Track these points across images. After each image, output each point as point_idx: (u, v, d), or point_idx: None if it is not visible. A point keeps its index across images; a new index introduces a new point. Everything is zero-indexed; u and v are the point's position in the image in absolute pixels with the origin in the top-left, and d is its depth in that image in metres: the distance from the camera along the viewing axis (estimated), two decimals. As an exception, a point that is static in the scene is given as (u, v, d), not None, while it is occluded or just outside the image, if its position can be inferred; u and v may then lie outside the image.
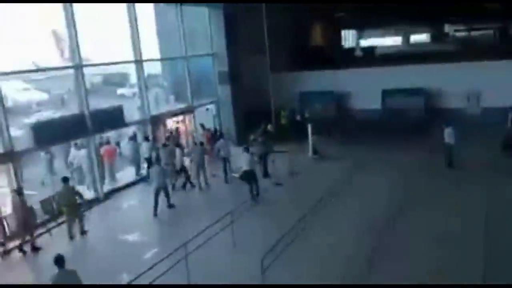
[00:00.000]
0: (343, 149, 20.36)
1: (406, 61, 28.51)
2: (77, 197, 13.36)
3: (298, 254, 10.60)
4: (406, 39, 68.68)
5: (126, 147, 19.26)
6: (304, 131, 19.88)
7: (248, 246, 11.40)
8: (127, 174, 18.75)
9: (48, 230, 13.52)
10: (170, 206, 14.87)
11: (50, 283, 7.85)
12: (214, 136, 20.12)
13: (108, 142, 18.63)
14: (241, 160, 15.33)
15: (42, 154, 17.80)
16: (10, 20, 17.99)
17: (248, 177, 14.60)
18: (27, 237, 12.57)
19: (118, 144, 19.82)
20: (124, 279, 9.88)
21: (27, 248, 12.46)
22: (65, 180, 13.35)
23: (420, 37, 73.92)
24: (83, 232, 13.44)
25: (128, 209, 15.83)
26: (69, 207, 13.16)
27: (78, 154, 17.18)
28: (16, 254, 12.44)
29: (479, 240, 10.64)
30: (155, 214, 14.39)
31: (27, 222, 12.55)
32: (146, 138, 18.26)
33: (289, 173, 17.33)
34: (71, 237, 13.16)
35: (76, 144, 17.32)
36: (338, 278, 9.65)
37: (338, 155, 19.54)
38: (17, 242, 12.68)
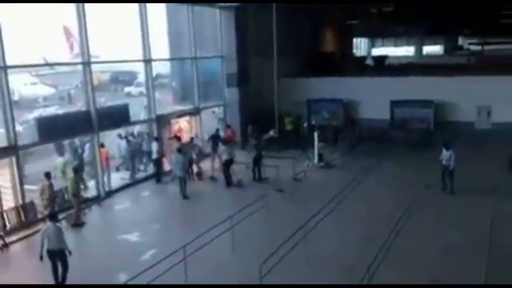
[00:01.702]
0: (349, 158, 20.14)
1: (418, 72, 28.29)
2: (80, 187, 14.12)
3: (297, 262, 10.43)
4: (419, 50, 68.20)
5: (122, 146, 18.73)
6: (310, 138, 19.73)
7: (247, 251, 11.32)
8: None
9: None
10: (185, 197, 15.88)
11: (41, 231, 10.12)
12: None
13: (102, 145, 16.81)
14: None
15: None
16: (22, 14, 18.08)
17: (228, 164, 16.88)
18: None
19: (128, 141, 19.33)
20: (121, 278, 9.81)
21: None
22: (76, 170, 14.16)
23: (433, 49, 73.45)
24: (81, 224, 13.76)
25: (129, 208, 15.81)
26: (75, 196, 13.84)
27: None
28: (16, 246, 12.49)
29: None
30: (186, 197, 15.80)
31: (54, 202, 13.54)
32: (156, 139, 18.06)
33: (293, 179, 17.18)
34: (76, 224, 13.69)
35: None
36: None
37: (343, 164, 19.33)
38: (15, 237, 12.73)
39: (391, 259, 10.40)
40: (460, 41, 78.48)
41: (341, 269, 10.41)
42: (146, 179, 18.13)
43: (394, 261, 10.37)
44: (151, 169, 18.61)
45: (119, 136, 18.73)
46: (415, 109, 23.43)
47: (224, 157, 17.18)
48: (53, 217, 10.37)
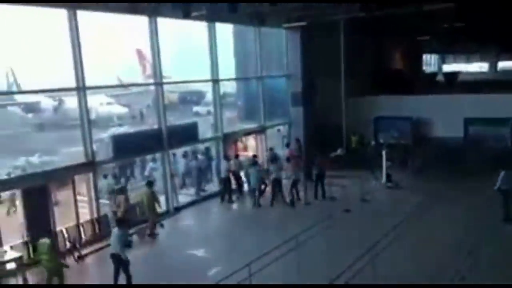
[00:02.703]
0: (419, 178, 19.39)
1: (492, 88, 26.90)
2: (155, 203, 14.70)
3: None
4: (494, 66, 64.86)
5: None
6: (377, 157, 19.26)
7: (312, 271, 11.17)
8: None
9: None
10: (260, 205, 16.92)
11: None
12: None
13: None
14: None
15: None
16: (99, 37, 19.24)
17: (275, 183, 17.15)
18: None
19: (196, 158, 19.81)
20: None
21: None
22: (150, 184, 14.74)
23: (509, 64, 69.68)
24: (152, 234, 14.44)
25: (196, 224, 16.17)
26: (150, 209, 14.51)
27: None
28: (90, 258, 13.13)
29: None
30: (259, 205, 16.90)
31: (128, 215, 13.96)
32: (226, 157, 18.29)
33: (360, 200, 16.79)
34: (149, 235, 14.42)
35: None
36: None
37: (413, 185, 18.64)
38: (89, 249, 13.41)
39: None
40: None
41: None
42: (213, 196, 18.42)
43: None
44: (214, 186, 18.87)
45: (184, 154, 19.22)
46: (490, 127, 22.19)
47: (273, 175, 17.29)
48: (120, 222, 11.36)
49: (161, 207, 15.43)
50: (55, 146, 19.91)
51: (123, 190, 14.45)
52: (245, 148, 21.61)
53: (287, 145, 21.27)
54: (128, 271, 10.75)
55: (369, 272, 10.21)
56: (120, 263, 10.77)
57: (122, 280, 10.88)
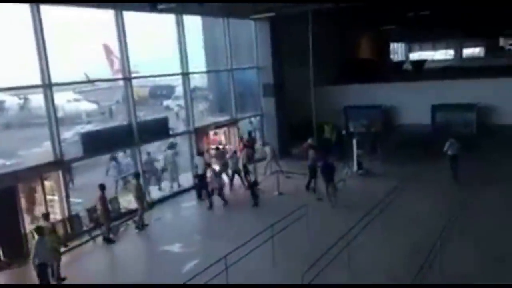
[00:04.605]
0: (390, 165, 19.70)
1: (458, 75, 27.56)
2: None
3: (339, 272, 10.26)
4: (459, 53, 66.43)
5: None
6: (348, 146, 19.49)
7: (288, 260, 11.26)
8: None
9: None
10: (226, 203, 16.50)
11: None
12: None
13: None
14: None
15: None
16: (64, 33, 18.78)
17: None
18: (107, 226, 13.79)
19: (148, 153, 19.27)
20: None
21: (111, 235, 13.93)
22: (136, 176, 15.10)
23: (473, 51, 71.49)
24: (144, 225, 14.75)
25: (170, 219, 16.07)
26: (139, 200, 14.65)
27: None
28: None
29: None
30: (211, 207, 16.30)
31: (107, 212, 13.89)
32: (200, 153, 18.01)
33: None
34: (139, 227, 14.59)
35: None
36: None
37: (384, 171, 18.94)
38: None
39: (437, 269, 10.06)
40: (501, 42, 75.84)
41: (385, 280, 10.15)
42: (186, 191, 18.27)
43: (440, 272, 10.01)
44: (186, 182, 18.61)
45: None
46: (457, 113, 22.77)
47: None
48: (40, 231, 10.85)
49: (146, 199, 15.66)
50: (19, 146, 19.27)
51: (103, 187, 13.79)
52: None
53: (241, 139, 21.04)
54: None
55: (345, 258, 10.38)
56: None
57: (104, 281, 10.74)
